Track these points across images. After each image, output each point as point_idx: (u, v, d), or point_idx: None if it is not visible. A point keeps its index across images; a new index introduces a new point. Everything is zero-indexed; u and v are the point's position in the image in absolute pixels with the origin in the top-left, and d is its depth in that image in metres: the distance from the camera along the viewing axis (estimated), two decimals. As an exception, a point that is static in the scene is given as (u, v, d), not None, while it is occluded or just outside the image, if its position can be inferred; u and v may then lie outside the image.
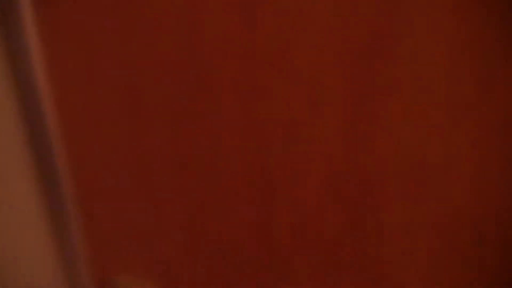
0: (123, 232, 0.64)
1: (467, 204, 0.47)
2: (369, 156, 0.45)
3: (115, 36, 0.50)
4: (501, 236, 0.48)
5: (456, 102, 0.41)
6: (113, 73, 0.53)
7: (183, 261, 0.62)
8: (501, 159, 0.45)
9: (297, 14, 0.41)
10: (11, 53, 0.65)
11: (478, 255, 0.48)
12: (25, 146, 0.94)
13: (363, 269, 0.51)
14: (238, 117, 0.48)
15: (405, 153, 0.44)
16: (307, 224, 0.51)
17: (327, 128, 0.45)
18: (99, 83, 0.54)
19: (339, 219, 0.49)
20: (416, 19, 0.39)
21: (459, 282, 0.49)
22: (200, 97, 0.49)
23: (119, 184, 0.60)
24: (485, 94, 0.41)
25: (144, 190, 0.59)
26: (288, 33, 0.42)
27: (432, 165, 0.45)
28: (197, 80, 0.48)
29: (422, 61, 0.40)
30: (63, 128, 0.58)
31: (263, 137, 0.47)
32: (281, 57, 0.43)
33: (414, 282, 0.50)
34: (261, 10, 0.41)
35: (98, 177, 0.61)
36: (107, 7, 0.49)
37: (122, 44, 0.50)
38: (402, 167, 0.45)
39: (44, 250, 1.05)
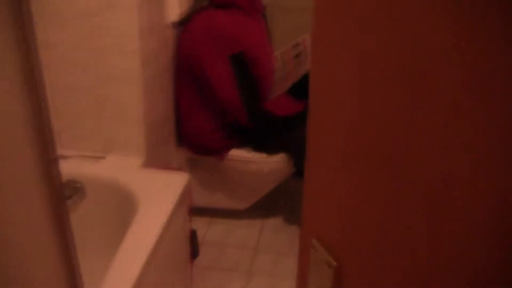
0: (331, 206, 0.75)
1: None
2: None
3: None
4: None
5: None
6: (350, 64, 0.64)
7: (360, 248, 0.70)
8: None
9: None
10: None
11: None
12: None
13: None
14: (440, 131, 0.53)
15: None
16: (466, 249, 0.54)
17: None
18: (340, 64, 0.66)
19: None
20: None
21: None
22: (414, 103, 0.56)
23: (335, 163, 0.72)
24: None
25: (355, 174, 0.68)
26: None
27: None
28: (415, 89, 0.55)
29: None
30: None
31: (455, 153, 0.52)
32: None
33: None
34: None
35: (322, 153, 0.75)
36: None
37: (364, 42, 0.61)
38: None
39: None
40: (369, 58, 0.61)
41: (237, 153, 2.46)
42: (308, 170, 0.79)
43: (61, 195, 1.04)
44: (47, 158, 1.00)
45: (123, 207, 1.90)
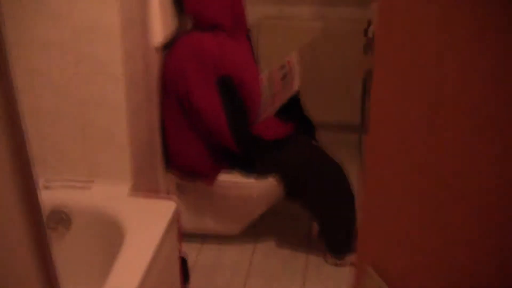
0: (390, 234, 0.75)
1: None
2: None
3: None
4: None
5: None
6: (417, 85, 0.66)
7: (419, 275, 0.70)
8: None
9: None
10: None
11: None
12: None
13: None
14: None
15: None
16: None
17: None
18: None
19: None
20: None
21: None
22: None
23: (395, 192, 0.72)
24: None
25: (415, 203, 0.68)
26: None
27: None
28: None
29: None
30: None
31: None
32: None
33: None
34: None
35: (381, 181, 0.76)
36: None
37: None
38: None
39: None
40: (441, 88, 0.62)
41: (226, 178, 2.42)
42: (366, 199, 0.81)
43: (43, 223, 1.00)
44: (27, 186, 0.96)
45: (110, 237, 1.86)
